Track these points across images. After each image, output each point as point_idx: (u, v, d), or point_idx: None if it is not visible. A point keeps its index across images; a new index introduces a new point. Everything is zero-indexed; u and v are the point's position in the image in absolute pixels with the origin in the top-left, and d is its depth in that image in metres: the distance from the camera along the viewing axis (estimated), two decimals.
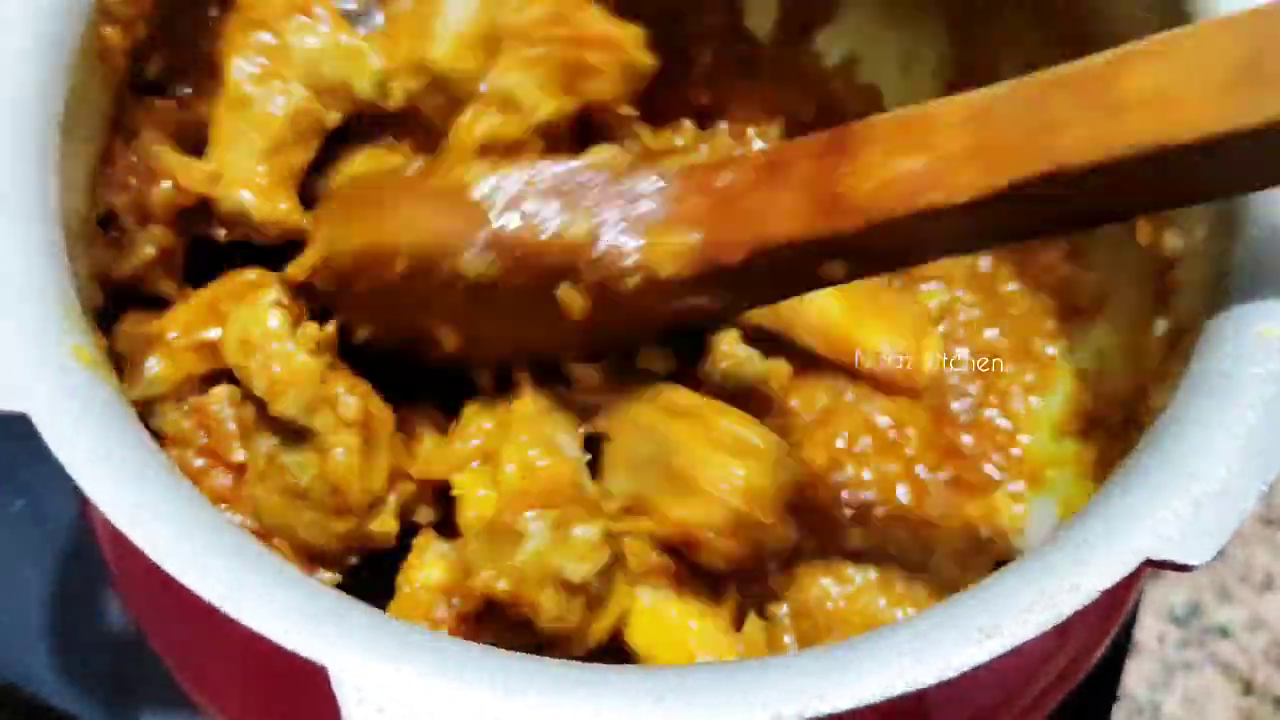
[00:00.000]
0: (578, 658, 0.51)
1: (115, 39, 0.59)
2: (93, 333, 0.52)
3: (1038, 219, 0.49)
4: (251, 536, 0.47)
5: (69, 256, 0.53)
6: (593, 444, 0.59)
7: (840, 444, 0.67)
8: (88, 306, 0.53)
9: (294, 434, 0.57)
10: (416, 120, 0.64)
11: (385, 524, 0.58)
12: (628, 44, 0.62)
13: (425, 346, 0.58)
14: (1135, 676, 0.84)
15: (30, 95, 0.54)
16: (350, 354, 0.59)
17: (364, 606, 0.46)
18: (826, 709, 0.42)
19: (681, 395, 0.58)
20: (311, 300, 0.60)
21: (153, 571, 0.44)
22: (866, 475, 0.67)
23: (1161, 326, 0.59)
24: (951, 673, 0.43)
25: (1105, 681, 0.81)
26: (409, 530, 0.60)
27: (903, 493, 0.67)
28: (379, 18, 0.66)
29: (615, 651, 0.57)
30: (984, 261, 0.73)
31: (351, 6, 0.66)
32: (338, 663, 0.42)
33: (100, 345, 0.52)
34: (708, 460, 0.56)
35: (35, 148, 0.53)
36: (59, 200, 0.54)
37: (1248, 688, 0.83)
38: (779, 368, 0.62)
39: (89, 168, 0.58)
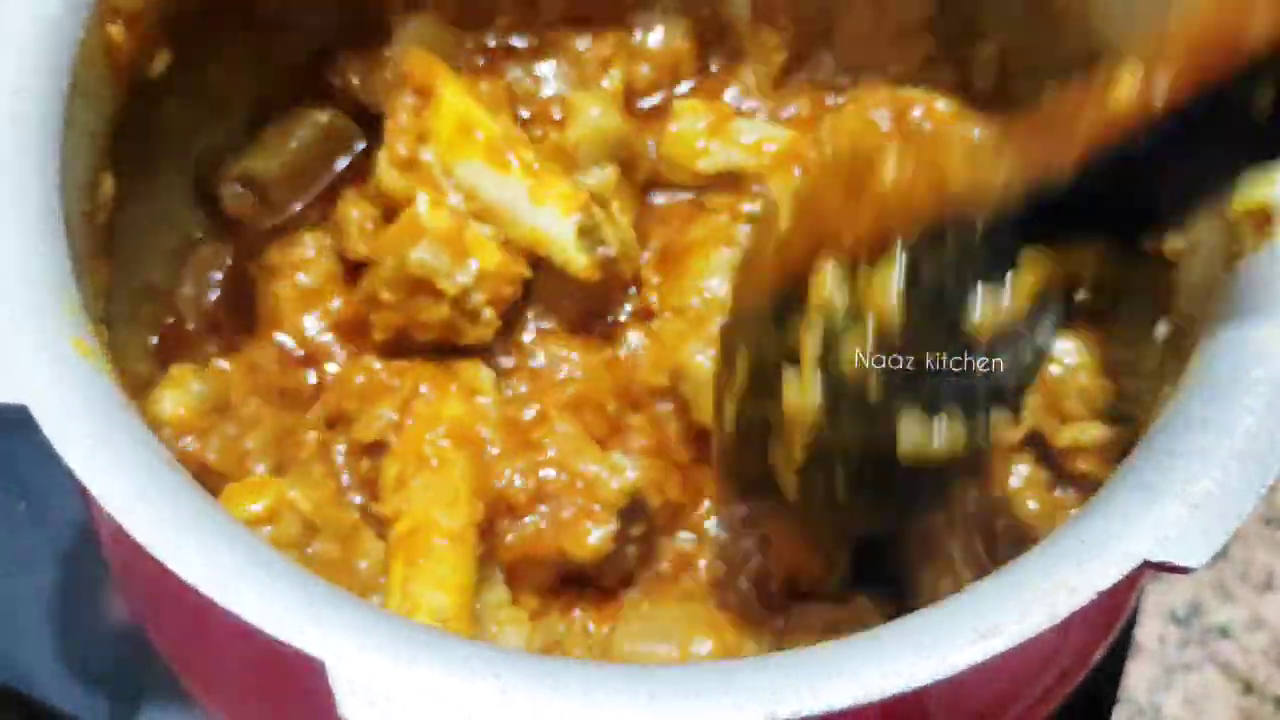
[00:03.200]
0: None
1: (120, 36, 0.60)
2: (92, 324, 0.52)
3: None
4: (249, 530, 0.47)
5: (70, 249, 0.53)
6: None
7: None
8: (88, 299, 0.53)
9: None
10: None
11: None
12: None
13: None
14: (1135, 677, 0.83)
15: (33, 89, 0.54)
16: None
17: (360, 600, 0.46)
18: (821, 707, 0.42)
19: None
20: None
21: (152, 565, 0.44)
22: None
23: (1161, 329, 0.59)
24: (948, 671, 0.43)
25: (1106, 683, 0.81)
26: None
27: None
28: None
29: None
30: None
31: None
32: (333, 656, 0.43)
33: (100, 337, 0.52)
34: None
35: (37, 141, 0.54)
36: (60, 193, 0.54)
37: (1248, 688, 0.83)
38: None
39: (91, 162, 0.59)
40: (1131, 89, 0.45)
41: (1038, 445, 0.67)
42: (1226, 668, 0.84)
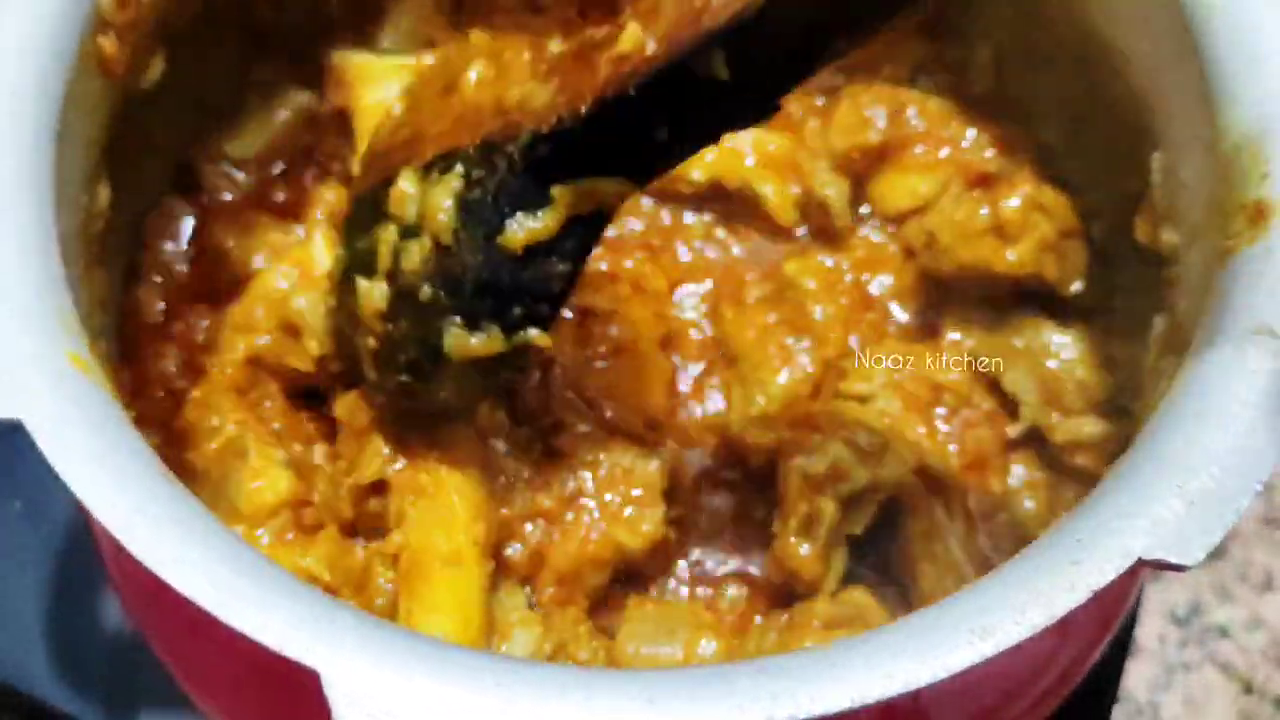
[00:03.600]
0: None
1: (112, 49, 0.60)
2: (89, 338, 0.52)
3: None
4: (245, 541, 0.47)
5: (65, 262, 0.53)
6: None
7: None
8: (83, 311, 0.53)
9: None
10: None
11: None
12: None
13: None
14: (1135, 677, 0.83)
15: (27, 102, 0.55)
16: None
17: (359, 611, 0.46)
18: (819, 710, 0.42)
19: None
20: None
21: (150, 575, 0.44)
22: None
23: (1158, 324, 0.59)
24: (946, 673, 0.43)
25: (1105, 682, 0.81)
26: None
27: None
28: None
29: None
30: None
31: None
32: (329, 667, 0.42)
33: (97, 351, 0.52)
34: None
35: (32, 155, 0.54)
36: (55, 206, 0.54)
37: (1248, 687, 0.83)
38: None
39: (86, 174, 0.59)
40: (634, 38, 0.53)
41: (1036, 441, 0.67)
42: (1226, 668, 0.84)
